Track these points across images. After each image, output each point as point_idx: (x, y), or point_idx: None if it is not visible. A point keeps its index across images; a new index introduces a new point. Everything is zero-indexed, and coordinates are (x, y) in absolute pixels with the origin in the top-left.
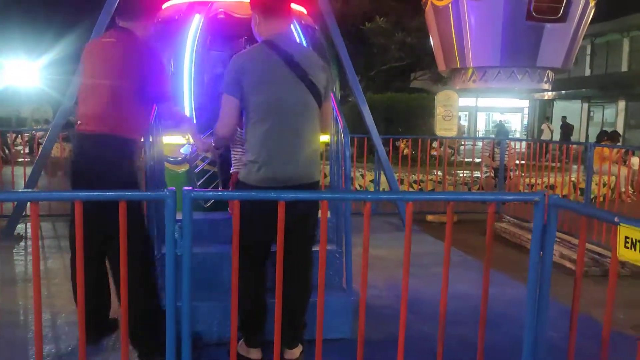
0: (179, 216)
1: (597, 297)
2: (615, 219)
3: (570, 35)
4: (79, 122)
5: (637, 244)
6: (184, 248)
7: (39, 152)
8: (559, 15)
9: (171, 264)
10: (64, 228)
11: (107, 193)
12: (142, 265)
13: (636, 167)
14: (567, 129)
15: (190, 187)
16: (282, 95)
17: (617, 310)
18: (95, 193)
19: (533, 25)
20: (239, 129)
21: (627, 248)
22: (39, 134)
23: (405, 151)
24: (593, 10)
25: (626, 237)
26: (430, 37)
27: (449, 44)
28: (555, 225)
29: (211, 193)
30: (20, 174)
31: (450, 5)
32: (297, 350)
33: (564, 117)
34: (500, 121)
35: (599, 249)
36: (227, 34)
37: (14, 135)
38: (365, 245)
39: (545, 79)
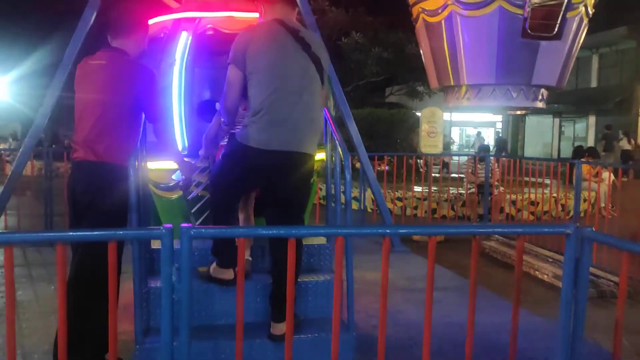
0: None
1: (598, 321)
2: None
3: (565, 53)
4: (73, 149)
5: None
6: (182, 292)
7: (10, 173)
8: (555, 32)
9: (167, 308)
10: (35, 255)
11: (96, 233)
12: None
13: (607, 182)
14: (502, 143)
15: (189, 224)
16: (287, 63)
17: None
18: (84, 233)
19: (528, 42)
20: (241, 109)
21: None
22: (3, 152)
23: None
24: (587, 28)
25: None
26: (422, 54)
27: (442, 61)
28: (589, 261)
29: (213, 230)
30: None
31: (443, 21)
32: (285, 326)
33: (497, 133)
34: (479, 133)
35: (594, 270)
36: (216, 50)
37: None
38: (384, 289)
39: (540, 97)
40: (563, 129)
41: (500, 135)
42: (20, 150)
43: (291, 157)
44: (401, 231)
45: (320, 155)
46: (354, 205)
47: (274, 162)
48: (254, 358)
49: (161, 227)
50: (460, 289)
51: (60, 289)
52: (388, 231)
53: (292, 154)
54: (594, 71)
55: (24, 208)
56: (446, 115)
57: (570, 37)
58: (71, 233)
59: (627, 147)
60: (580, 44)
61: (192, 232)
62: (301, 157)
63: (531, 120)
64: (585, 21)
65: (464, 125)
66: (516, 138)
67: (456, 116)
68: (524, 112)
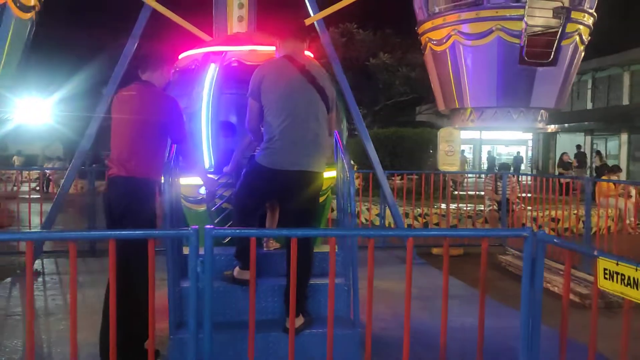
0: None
1: (602, 331)
2: (595, 252)
3: (561, 78)
4: (108, 167)
5: (615, 275)
6: (206, 281)
7: (58, 191)
8: (550, 59)
9: (194, 296)
10: (80, 264)
11: (137, 232)
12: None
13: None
14: (492, 161)
15: (212, 226)
16: (295, 96)
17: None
18: (129, 232)
19: (526, 69)
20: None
21: (606, 279)
22: (49, 171)
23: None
24: (583, 54)
25: (605, 269)
26: (430, 79)
27: (447, 86)
28: (543, 257)
29: (230, 231)
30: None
31: (447, 50)
32: (298, 321)
33: (489, 152)
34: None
35: None
36: (240, 79)
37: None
38: (370, 277)
39: (540, 118)
40: (595, 146)
41: (490, 153)
42: (68, 169)
43: (300, 175)
44: (383, 233)
45: (333, 173)
46: (377, 222)
47: (285, 180)
48: (271, 349)
49: (189, 228)
50: (467, 297)
51: (111, 275)
52: (371, 233)
53: (301, 172)
54: (625, 88)
55: (69, 223)
56: (476, 134)
57: (566, 63)
58: (119, 232)
59: (599, 163)
60: (577, 68)
61: (214, 232)
62: (309, 175)
63: (562, 138)
64: (581, 48)
65: (495, 143)
66: (547, 156)
67: (486, 135)
68: (554, 129)
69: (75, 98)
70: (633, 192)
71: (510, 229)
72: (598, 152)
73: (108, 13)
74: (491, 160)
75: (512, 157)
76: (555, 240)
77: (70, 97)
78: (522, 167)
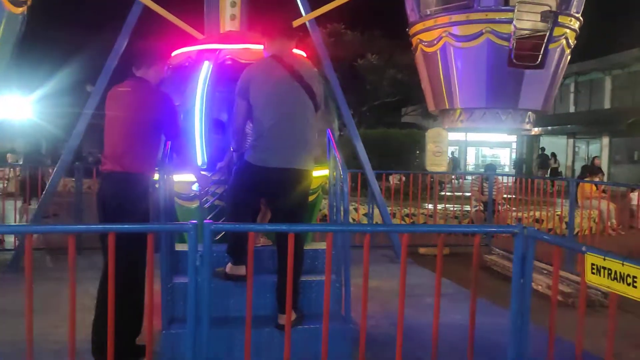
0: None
1: (586, 329)
2: (583, 249)
3: (548, 80)
4: (102, 162)
5: (602, 270)
6: (204, 276)
7: (45, 190)
8: (538, 62)
9: (193, 291)
10: (66, 262)
11: (137, 226)
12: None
13: (634, 202)
14: (455, 162)
15: (210, 220)
16: (283, 95)
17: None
18: (125, 226)
19: (514, 71)
20: (250, 124)
21: (594, 274)
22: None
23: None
24: (569, 57)
25: (592, 264)
26: (421, 80)
27: (438, 87)
28: (532, 254)
29: (229, 225)
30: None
31: (438, 51)
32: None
33: (452, 152)
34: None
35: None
36: (234, 77)
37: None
38: (365, 273)
39: (527, 119)
40: (577, 149)
41: (454, 154)
42: (55, 168)
43: (288, 173)
44: (380, 229)
45: (323, 172)
46: (364, 221)
47: (273, 177)
48: (263, 345)
49: (188, 223)
50: (454, 295)
51: (110, 268)
52: (368, 229)
53: (289, 170)
54: (607, 92)
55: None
56: (461, 136)
57: (553, 66)
58: (119, 226)
59: (554, 165)
60: (563, 72)
61: (213, 227)
62: (297, 173)
63: (545, 141)
64: (567, 52)
65: (480, 145)
66: (530, 158)
67: (471, 136)
68: (537, 132)
69: (57, 95)
70: (635, 197)
71: (502, 225)
72: (553, 154)
73: (88, 8)
74: (455, 161)
75: (512, 159)
76: (545, 236)
77: (51, 94)
78: (506, 169)
